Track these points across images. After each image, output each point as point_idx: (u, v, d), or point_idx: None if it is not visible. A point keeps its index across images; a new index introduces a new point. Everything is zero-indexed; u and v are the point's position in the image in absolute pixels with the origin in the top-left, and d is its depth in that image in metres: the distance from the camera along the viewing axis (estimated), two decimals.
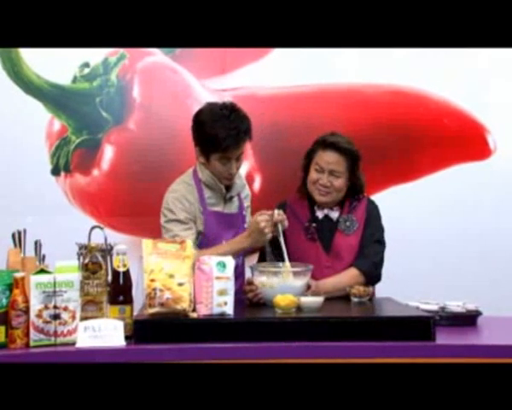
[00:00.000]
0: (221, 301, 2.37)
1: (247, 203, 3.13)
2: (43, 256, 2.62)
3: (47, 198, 3.62)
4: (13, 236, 2.59)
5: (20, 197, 3.60)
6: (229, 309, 2.38)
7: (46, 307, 2.27)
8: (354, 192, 3.03)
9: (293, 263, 2.76)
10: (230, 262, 2.41)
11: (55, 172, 3.67)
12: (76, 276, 2.32)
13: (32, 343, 2.26)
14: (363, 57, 3.70)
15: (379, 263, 2.95)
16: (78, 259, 2.42)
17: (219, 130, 2.81)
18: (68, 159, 3.66)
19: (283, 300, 2.46)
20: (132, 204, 3.64)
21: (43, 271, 2.31)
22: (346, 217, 2.98)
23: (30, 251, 2.67)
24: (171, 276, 2.33)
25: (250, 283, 2.72)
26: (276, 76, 3.74)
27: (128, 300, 2.33)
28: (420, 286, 3.35)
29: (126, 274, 2.33)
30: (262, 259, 3.02)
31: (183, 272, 2.36)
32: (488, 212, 3.72)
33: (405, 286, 3.18)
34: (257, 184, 3.72)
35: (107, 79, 3.67)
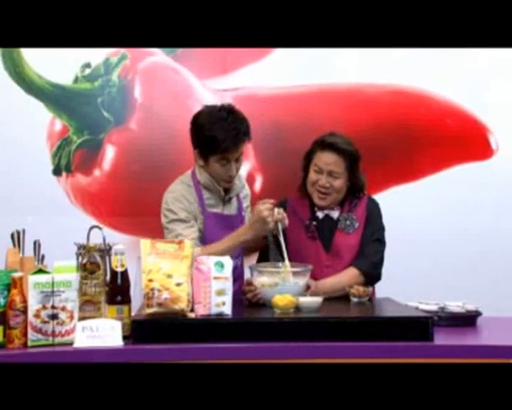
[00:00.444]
0: (219, 302, 2.37)
1: (246, 203, 3.13)
2: (43, 256, 2.62)
3: (48, 198, 3.62)
4: (12, 236, 2.59)
5: (22, 197, 3.60)
6: (227, 309, 2.38)
7: (44, 307, 2.28)
8: (354, 192, 3.02)
9: (292, 263, 2.75)
10: (228, 262, 2.41)
11: (57, 172, 3.67)
12: (74, 276, 2.33)
13: (29, 343, 2.26)
14: (364, 57, 3.69)
15: (378, 263, 2.95)
16: (77, 259, 2.41)
17: (218, 131, 2.81)
18: (70, 159, 3.66)
19: (282, 300, 2.46)
20: (133, 204, 3.64)
21: (41, 271, 2.31)
22: (346, 216, 2.98)
23: (30, 251, 2.68)
24: (169, 276, 2.34)
25: (249, 283, 2.72)
26: (276, 76, 3.73)
27: (126, 300, 2.33)
28: (420, 286, 3.35)
29: (124, 274, 2.34)
30: (262, 259, 3.01)
31: (181, 272, 2.37)
32: (489, 212, 3.70)
33: (406, 286, 3.19)
34: (258, 184, 3.71)
35: (108, 79, 3.68)
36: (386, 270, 2.99)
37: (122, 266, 2.34)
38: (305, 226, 2.98)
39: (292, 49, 3.59)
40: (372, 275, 2.90)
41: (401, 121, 3.74)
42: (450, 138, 3.76)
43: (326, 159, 2.93)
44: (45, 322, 2.27)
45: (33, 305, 2.27)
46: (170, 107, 3.69)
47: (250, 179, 3.68)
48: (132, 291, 2.38)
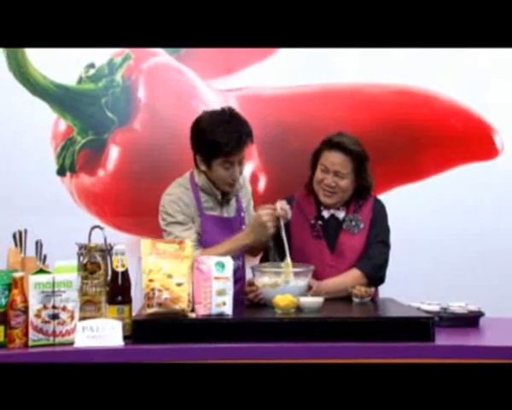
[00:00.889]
0: (220, 302, 2.36)
1: (246, 202, 3.11)
2: (45, 256, 2.62)
3: (52, 198, 3.64)
4: (14, 236, 2.59)
5: (26, 197, 3.61)
6: (227, 309, 2.37)
7: (45, 307, 2.28)
8: (361, 193, 3.00)
9: (294, 263, 2.75)
10: (229, 262, 2.41)
11: (61, 172, 3.68)
12: (75, 276, 2.33)
13: (30, 343, 2.26)
14: (367, 57, 3.69)
15: (382, 265, 2.92)
16: (78, 259, 2.41)
17: (221, 135, 2.79)
18: (74, 159, 3.68)
19: (283, 300, 2.46)
20: (137, 204, 3.65)
21: (41, 271, 2.32)
22: (351, 216, 2.96)
23: (33, 251, 2.68)
24: (170, 276, 2.34)
25: (251, 283, 2.72)
26: (280, 76, 3.74)
27: (127, 300, 2.33)
28: (424, 286, 3.35)
29: (125, 274, 2.34)
30: (265, 259, 3.00)
31: (182, 272, 2.37)
32: (494, 212, 3.71)
33: (409, 286, 3.18)
34: (262, 185, 3.72)
35: (112, 79, 3.69)
36: (389, 270, 2.98)
37: (123, 266, 2.34)
38: (310, 225, 2.97)
39: (295, 49, 3.60)
40: (375, 277, 2.88)
41: (405, 121, 3.74)
42: (455, 138, 3.76)
43: (333, 158, 2.91)
44: (46, 322, 2.28)
45: (34, 305, 2.27)
46: (174, 107, 3.69)
47: (254, 179, 3.69)
48: (133, 291, 2.38)
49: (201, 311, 2.37)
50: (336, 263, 2.92)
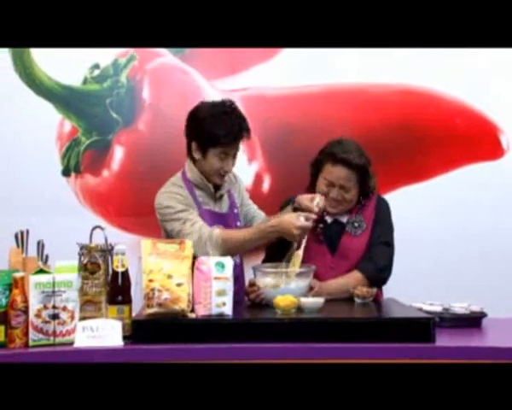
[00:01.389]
0: (220, 302, 2.37)
1: (239, 199, 3.11)
2: (47, 256, 2.63)
3: (57, 199, 3.65)
4: (16, 236, 2.60)
5: (31, 198, 3.62)
6: (227, 310, 2.38)
7: (45, 307, 2.29)
8: (364, 196, 2.98)
9: None
10: (229, 263, 2.41)
11: (66, 172, 3.69)
12: (75, 276, 2.34)
13: (31, 343, 2.27)
14: (372, 57, 3.68)
15: (385, 267, 2.90)
16: (79, 259, 2.42)
17: (221, 125, 2.83)
18: (79, 160, 3.69)
19: (283, 300, 2.46)
20: (142, 204, 3.63)
21: (42, 271, 2.32)
22: (354, 218, 2.94)
23: (36, 251, 2.69)
24: (170, 276, 2.34)
25: (252, 284, 2.72)
26: (284, 76, 3.73)
27: (126, 300, 2.34)
28: (427, 287, 3.35)
29: (125, 274, 2.35)
30: (267, 260, 3.00)
31: (182, 273, 2.37)
32: (497, 212, 3.69)
33: (412, 287, 3.19)
34: (266, 185, 3.71)
35: (117, 80, 3.70)
36: (395, 271, 2.97)
37: (123, 266, 2.35)
38: (311, 228, 2.95)
39: (299, 49, 3.60)
40: (376, 280, 2.86)
41: (409, 121, 3.72)
42: (460, 138, 3.74)
43: (338, 173, 2.87)
44: (46, 322, 2.28)
45: (34, 305, 2.28)
46: (178, 107, 3.67)
47: (258, 180, 3.70)
48: (133, 291, 2.38)
49: (201, 311, 2.37)
50: (337, 265, 2.90)
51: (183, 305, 2.33)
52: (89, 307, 2.35)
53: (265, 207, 3.20)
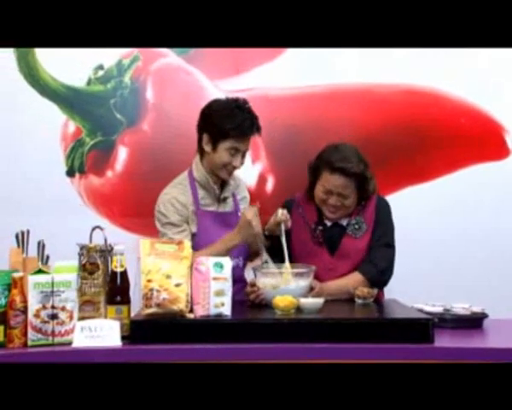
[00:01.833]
0: (218, 302, 2.36)
1: (243, 206, 3.12)
2: (47, 256, 2.63)
3: (62, 199, 3.66)
4: (16, 236, 2.61)
5: (36, 198, 3.63)
6: (226, 310, 2.37)
7: (44, 307, 2.30)
8: (363, 200, 2.95)
9: (295, 264, 2.75)
10: (228, 263, 2.41)
11: (70, 173, 3.70)
12: (74, 276, 2.34)
13: (29, 343, 2.28)
14: (377, 57, 3.66)
15: (385, 269, 2.89)
16: (79, 259, 2.43)
17: (233, 118, 2.86)
18: (83, 160, 3.70)
19: (282, 301, 2.45)
20: (146, 205, 3.60)
21: (41, 271, 2.33)
22: (354, 220, 2.93)
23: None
24: (168, 276, 2.34)
25: (252, 284, 2.72)
26: (289, 77, 3.73)
27: (125, 300, 2.34)
28: (431, 287, 3.36)
29: (124, 275, 2.35)
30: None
31: (181, 273, 2.37)
32: (502, 212, 3.68)
33: (416, 287, 3.21)
34: (270, 185, 3.71)
35: (120, 80, 3.70)
36: (396, 271, 2.96)
37: (122, 266, 2.35)
38: (311, 229, 2.95)
39: (304, 49, 3.59)
40: (377, 282, 2.85)
41: (414, 121, 3.70)
42: (465, 138, 3.72)
43: (335, 182, 2.84)
44: (45, 322, 2.29)
45: (33, 305, 2.29)
46: (182, 108, 3.69)
47: (262, 180, 3.70)
48: (132, 292, 2.39)
49: (200, 311, 2.37)
50: (336, 266, 2.89)
51: (181, 305, 2.33)
52: (87, 307, 2.36)
53: (269, 208, 3.18)
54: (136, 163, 3.70)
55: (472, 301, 2.75)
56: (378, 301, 2.81)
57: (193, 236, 2.91)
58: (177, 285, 2.34)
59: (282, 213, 2.76)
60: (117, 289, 2.33)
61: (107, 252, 2.45)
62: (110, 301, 2.33)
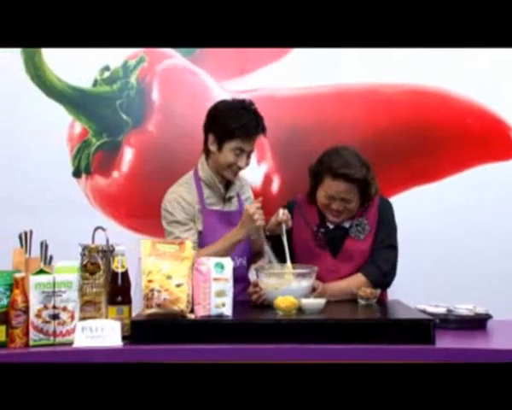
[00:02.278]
0: (219, 303, 2.36)
1: (249, 200, 3.14)
2: (51, 257, 2.64)
3: (68, 200, 3.67)
4: (19, 236, 2.62)
5: (42, 199, 3.65)
6: (227, 310, 2.37)
7: (45, 307, 2.30)
8: (365, 202, 2.93)
9: (298, 265, 2.75)
10: (229, 264, 2.41)
11: (77, 174, 3.72)
12: (75, 276, 2.35)
13: (31, 343, 2.29)
14: (383, 57, 3.65)
15: (388, 271, 2.88)
16: (82, 259, 2.44)
17: (239, 118, 2.87)
18: (89, 161, 3.71)
19: (283, 301, 2.45)
20: (152, 205, 3.61)
21: (42, 271, 2.34)
22: (357, 222, 2.91)
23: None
24: (169, 277, 2.35)
25: (255, 284, 2.72)
26: (294, 77, 3.72)
27: (126, 300, 2.34)
28: (437, 287, 3.38)
29: (125, 275, 2.36)
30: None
31: (182, 273, 2.37)
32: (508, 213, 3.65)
33: (421, 287, 3.24)
34: (275, 185, 3.71)
35: (126, 81, 3.71)
36: (399, 272, 2.96)
37: (123, 266, 2.36)
38: (312, 231, 2.95)
39: (309, 49, 3.58)
40: (380, 283, 2.83)
41: (420, 121, 3.69)
42: (472, 138, 3.70)
43: (338, 188, 2.82)
44: (46, 322, 2.30)
45: (35, 305, 2.29)
46: (187, 108, 3.70)
47: (267, 180, 3.70)
48: (133, 292, 2.39)
49: (201, 312, 2.37)
50: (338, 268, 2.89)
51: (182, 305, 2.33)
52: (89, 307, 2.36)
53: (274, 208, 3.16)
54: (142, 164, 3.70)
55: (478, 302, 2.73)
56: (381, 301, 2.81)
57: (199, 234, 2.92)
58: (178, 286, 2.35)
59: (283, 213, 2.76)
60: (118, 290, 2.34)
61: (108, 252, 2.45)
62: (111, 301, 2.34)
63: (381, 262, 2.86)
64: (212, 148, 2.94)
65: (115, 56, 3.70)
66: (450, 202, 3.66)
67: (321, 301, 2.51)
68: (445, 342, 2.35)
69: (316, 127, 3.68)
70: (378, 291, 2.75)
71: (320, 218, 2.96)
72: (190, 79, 3.74)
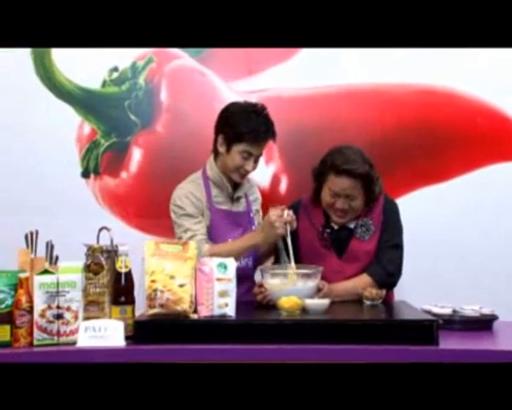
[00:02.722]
0: (222, 303, 2.37)
1: (255, 207, 3.13)
2: (57, 257, 2.65)
3: (77, 200, 3.70)
4: (25, 236, 2.64)
5: (52, 199, 3.67)
6: (230, 311, 2.37)
7: (49, 307, 2.32)
8: (370, 202, 2.92)
9: (302, 265, 2.74)
10: (232, 264, 2.41)
11: (85, 174, 3.74)
12: (79, 277, 2.36)
13: (35, 343, 2.30)
14: (391, 57, 3.64)
15: (394, 271, 2.88)
16: (86, 260, 2.45)
17: (249, 122, 2.87)
18: (98, 162, 3.73)
19: (287, 302, 2.45)
20: (160, 206, 3.61)
21: (46, 271, 2.35)
22: (362, 222, 2.91)
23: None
24: (172, 277, 2.35)
25: (260, 285, 2.72)
26: (302, 77, 3.71)
27: (129, 300, 2.35)
28: (444, 287, 3.38)
29: (128, 275, 2.36)
30: (277, 262, 2.99)
31: (185, 274, 2.37)
32: None
33: (429, 287, 3.23)
34: (283, 186, 3.71)
35: (135, 82, 3.73)
36: (410, 272, 2.96)
37: (126, 266, 2.36)
38: (317, 232, 2.94)
39: (317, 49, 3.58)
40: (386, 284, 2.83)
41: (429, 121, 3.67)
42: (481, 138, 3.68)
43: (342, 184, 2.83)
44: (50, 322, 2.31)
45: (39, 305, 2.31)
46: (196, 109, 3.71)
47: (275, 181, 3.69)
48: (137, 292, 2.40)
49: (204, 312, 2.37)
50: (344, 269, 2.88)
51: (185, 306, 2.33)
52: (92, 307, 2.37)
53: None
54: (150, 164, 3.72)
55: (488, 303, 2.71)
56: (387, 302, 2.80)
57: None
58: (181, 286, 2.35)
59: (287, 214, 2.76)
60: (121, 290, 2.34)
61: (113, 252, 2.46)
62: (114, 301, 2.35)
63: (387, 262, 2.85)
64: (221, 149, 2.94)
65: (124, 57, 3.72)
66: (466, 202, 3.65)
67: (325, 302, 2.50)
68: (450, 342, 2.34)
69: (323, 127, 3.67)
70: (383, 292, 2.74)
71: (325, 218, 2.95)
72: (198, 80, 3.74)
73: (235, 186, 3.04)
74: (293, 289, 2.59)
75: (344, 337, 2.29)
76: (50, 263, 2.58)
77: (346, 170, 2.80)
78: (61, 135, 3.72)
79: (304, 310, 2.47)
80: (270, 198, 3.34)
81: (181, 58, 3.74)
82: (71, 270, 2.36)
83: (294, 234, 2.80)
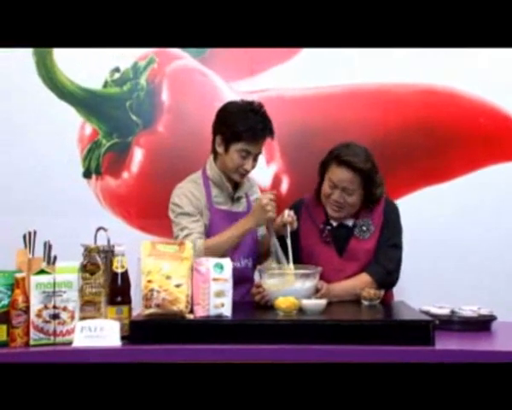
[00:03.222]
0: (218, 303, 2.36)
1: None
2: (55, 257, 2.65)
3: (79, 200, 3.71)
4: (24, 237, 2.64)
5: (53, 199, 3.69)
6: (226, 311, 2.37)
7: (46, 307, 2.32)
8: (369, 203, 2.92)
9: (301, 265, 2.74)
10: (228, 264, 2.41)
11: (87, 174, 3.75)
12: (75, 277, 2.36)
13: (31, 342, 2.30)
14: (393, 57, 3.64)
15: (393, 270, 2.87)
16: (83, 260, 2.45)
17: (246, 121, 2.86)
18: (99, 162, 3.74)
19: (284, 302, 2.45)
20: (162, 206, 3.61)
21: (43, 271, 2.36)
22: (362, 221, 2.90)
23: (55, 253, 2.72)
24: (168, 277, 2.35)
25: (258, 285, 2.71)
26: (303, 77, 3.73)
27: (126, 300, 2.35)
28: (446, 287, 3.36)
29: (124, 275, 2.36)
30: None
31: (181, 274, 2.37)
32: None
33: (430, 287, 3.21)
34: (284, 186, 3.71)
35: (136, 83, 3.74)
36: (410, 272, 2.95)
37: (122, 267, 2.36)
38: (319, 230, 2.94)
39: (319, 49, 3.59)
40: (385, 283, 2.82)
41: (432, 121, 3.68)
42: (484, 138, 3.67)
43: (341, 175, 2.84)
44: (47, 322, 2.31)
45: (35, 305, 2.31)
46: (197, 109, 3.72)
47: (277, 181, 3.70)
48: (134, 292, 2.40)
49: (200, 312, 2.37)
50: (344, 268, 2.87)
51: (181, 306, 2.33)
52: (88, 307, 2.37)
53: (283, 209, 3.18)
54: (151, 164, 3.73)
55: (488, 303, 2.70)
56: (386, 302, 2.79)
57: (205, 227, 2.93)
58: (177, 286, 2.35)
59: (288, 215, 2.76)
60: (117, 290, 2.34)
61: (110, 253, 2.46)
62: (111, 301, 2.34)
63: (386, 261, 2.85)
64: (219, 149, 2.94)
65: (125, 58, 3.74)
66: (468, 202, 3.66)
67: (321, 302, 2.49)
68: (448, 343, 2.33)
69: (325, 127, 3.67)
70: (382, 292, 2.73)
71: (326, 216, 2.95)
72: (200, 80, 3.75)
73: (236, 186, 3.03)
74: (291, 289, 2.58)
75: (340, 338, 2.28)
76: (48, 263, 2.59)
77: (346, 161, 2.81)
78: (62, 135, 3.75)
79: (301, 310, 2.46)
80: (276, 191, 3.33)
81: (182, 58, 3.75)
82: (67, 270, 2.36)
83: (296, 233, 2.80)
